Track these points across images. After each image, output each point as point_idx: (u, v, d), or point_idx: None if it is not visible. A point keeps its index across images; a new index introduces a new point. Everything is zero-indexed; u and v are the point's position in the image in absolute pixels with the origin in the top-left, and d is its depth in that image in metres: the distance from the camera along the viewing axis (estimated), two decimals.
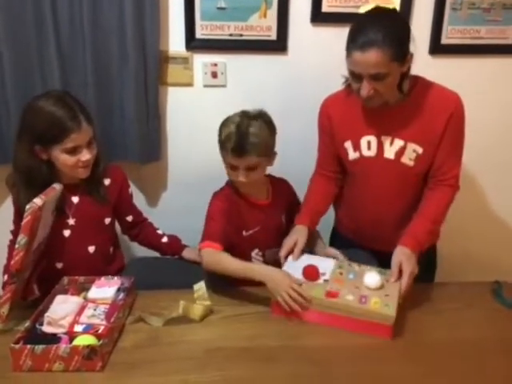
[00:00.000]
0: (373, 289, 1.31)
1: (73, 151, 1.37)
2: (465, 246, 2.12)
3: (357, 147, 1.53)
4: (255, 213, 1.54)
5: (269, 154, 1.47)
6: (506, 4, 1.86)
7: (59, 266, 1.49)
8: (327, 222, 1.77)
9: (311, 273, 1.37)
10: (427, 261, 1.66)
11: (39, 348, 1.11)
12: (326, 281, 1.35)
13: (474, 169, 2.05)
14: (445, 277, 1.68)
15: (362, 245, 1.64)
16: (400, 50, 1.32)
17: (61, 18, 1.70)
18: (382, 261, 1.53)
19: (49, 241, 1.42)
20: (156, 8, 1.73)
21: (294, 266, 1.41)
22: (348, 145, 1.54)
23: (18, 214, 1.42)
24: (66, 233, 1.47)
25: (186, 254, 1.64)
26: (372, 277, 1.33)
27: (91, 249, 1.52)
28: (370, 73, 1.32)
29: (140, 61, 1.76)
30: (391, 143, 1.48)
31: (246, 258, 1.50)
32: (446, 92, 1.46)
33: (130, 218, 1.64)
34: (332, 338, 1.25)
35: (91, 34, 1.71)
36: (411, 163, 1.47)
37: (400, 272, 1.35)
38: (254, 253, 1.56)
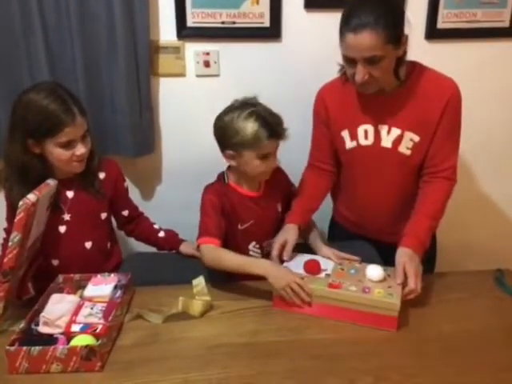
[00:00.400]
0: (375, 281, 1.29)
1: (67, 145, 1.33)
2: (464, 235, 2.12)
3: (354, 136, 1.51)
4: (249, 205, 1.51)
5: None
6: None
7: (55, 263, 1.46)
8: (325, 212, 1.75)
9: (313, 267, 1.35)
10: (426, 251, 1.65)
11: (36, 350, 1.08)
12: (327, 275, 1.33)
13: (472, 157, 2.04)
14: (445, 267, 1.67)
15: (361, 234, 1.63)
16: (394, 31, 1.29)
17: (47, 7, 1.64)
18: (381, 251, 1.52)
19: (44, 237, 1.39)
20: None
21: (295, 261, 1.39)
22: (345, 134, 1.52)
23: (11, 211, 1.39)
24: (62, 229, 1.44)
25: (184, 248, 1.62)
26: (375, 269, 1.31)
27: (88, 244, 1.49)
28: (365, 56, 1.29)
29: (130, 51, 1.71)
30: (388, 132, 1.46)
31: (243, 251, 1.47)
32: (442, 78, 1.44)
33: (125, 213, 1.61)
34: (334, 332, 1.23)
35: (79, 24, 1.66)
36: (408, 152, 1.46)
37: (405, 274, 1.30)
38: (251, 246, 1.53)
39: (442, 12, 1.84)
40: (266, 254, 1.52)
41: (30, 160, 1.35)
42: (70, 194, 1.44)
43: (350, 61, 1.34)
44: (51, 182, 1.35)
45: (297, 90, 1.86)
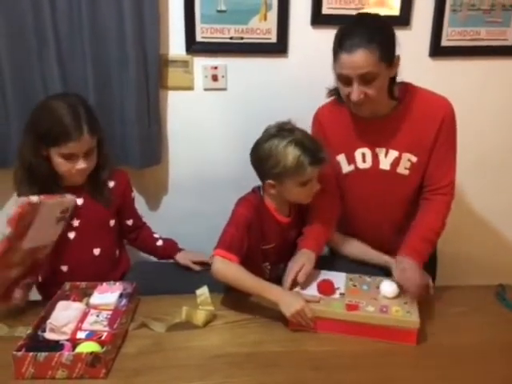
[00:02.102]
0: (391, 298, 1.30)
1: (68, 158, 1.37)
2: (465, 249, 2.12)
3: (351, 160, 1.52)
4: (275, 229, 1.49)
5: None
6: (505, 5, 1.86)
7: (64, 269, 1.48)
8: None
9: (326, 288, 1.34)
10: (427, 264, 1.65)
11: (42, 355, 1.10)
12: (342, 294, 1.33)
13: (475, 171, 2.05)
14: (446, 280, 1.68)
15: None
16: (386, 50, 1.33)
17: (60, 22, 1.69)
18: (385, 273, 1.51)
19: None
20: (156, 11, 1.72)
21: (308, 283, 1.37)
22: (341, 158, 1.53)
23: None
24: (71, 235, 1.47)
25: (179, 257, 1.63)
26: (389, 286, 1.32)
27: (96, 251, 1.51)
28: (360, 73, 1.31)
29: (140, 65, 1.75)
30: (386, 154, 1.48)
31: (256, 268, 1.44)
32: (435, 98, 1.46)
33: (130, 222, 1.63)
34: (336, 344, 1.24)
35: (90, 38, 1.70)
36: (406, 172, 1.48)
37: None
38: (264, 265, 1.54)
39: (447, 30, 1.87)
40: (274, 277, 1.48)
41: (39, 162, 1.38)
42: (79, 201, 1.47)
43: (344, 80, 1.35)
44: (68, 197, 1.38)
45: (302, 105, 1.86)
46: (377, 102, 1.38)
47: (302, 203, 1.49)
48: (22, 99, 1.71)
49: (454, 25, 1.87)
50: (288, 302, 1.28)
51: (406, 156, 1.46)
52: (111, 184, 1.52)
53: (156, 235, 1.69)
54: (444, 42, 1.88)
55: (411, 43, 1.83)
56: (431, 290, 1.38)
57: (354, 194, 1.57)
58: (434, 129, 1.42)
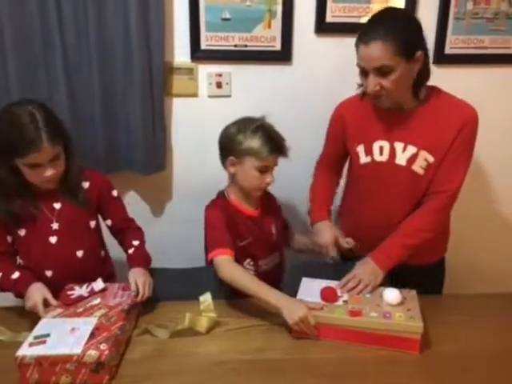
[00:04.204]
0: (394, 305, 1.30)
1: (34, 167, 1.34)
2: (471, 257, 2.11)
3: (369, 152, 1.53)
4: (248, 223, 1.56)
5: None
6: (509, 14, 1.87)
7: (49, 273, 1.46)
8: None
9: (330, 295, 1.35)
10: (435, 272, 1.66)
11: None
12: (345, 301, 1.33)
13: (482, 178, 2.06)
14: (454, 288, 1.67)
15: (362, 252, 1.63)
16: (404, 44, 1.32)
17: (67, 29, 1.71)
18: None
19: (35, 249, 1.44)
20: (161, 19, 1.74)
21: (311, 291, 1.38)
22: (360, 149, 1.54)
23: None
24: (53, 239, 1.45)
25: (130, 274, 1.45)
26: (391, 293, 1.32)
27: (79, 253, 1.49)
28: (374, 66, 1.34)
29: (145, 72, 1.77)
30: (404, 149, 1.48)
31: None
32: (462, 102, 1.46)
33: (109, 222, 1.59)
34: (338, 351, 1.24)
35: (97, 46, 1.72)
36: (421, 171, 1.47)
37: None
38: (246, 263, 1.56)
39: (450, 38, 1.88)
40: (261, 272, 1.56)
41: (3, 172, 1.35)
42: (57, 205, 1.45)
43: (363, 72, 1.39)
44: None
45: (306, 113, 1.90)
46: (395, 95, 1.39)
47: (255, 194, 1.56)
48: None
49: (457, 33, 1.88)
50: (291, 309, 1.28)
51: (424, 154, 1.45)
52: (86, 185, 1.49)
53: (135, 242, 1.56)
54: (448, 50, 1.89)
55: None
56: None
57: (367, 185, 1.58)
58: (453, 132, 1.42)
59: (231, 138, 1.50)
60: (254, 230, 1.57)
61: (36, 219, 1.43)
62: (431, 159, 1.45)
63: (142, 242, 1.58)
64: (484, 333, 1.33)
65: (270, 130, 1.50)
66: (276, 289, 1.34)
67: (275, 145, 1.48)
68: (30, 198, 1.41)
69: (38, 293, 1.34)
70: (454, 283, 1.75)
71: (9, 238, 1.46)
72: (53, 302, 1.32)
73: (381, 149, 1.51)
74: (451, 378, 1.16)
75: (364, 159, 1.54)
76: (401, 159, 1.48)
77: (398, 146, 1.48)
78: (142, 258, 1.52)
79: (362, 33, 1.36)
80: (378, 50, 1.31)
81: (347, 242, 1.55)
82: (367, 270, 1.42)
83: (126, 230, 1.60)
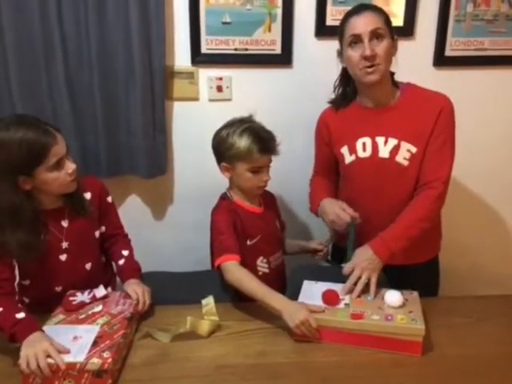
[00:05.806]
0: (396, 307, 1.30)
1: (57, 166, 1.30)
2: (471, 258, 2.11)
3: (353, 150, 1.56)
4: (255, 221, 1.57)
5: None
6: (509, 15, 1.87)
7: (58, 289, 1.45)
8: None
9: (331, 298, 1.34)
10: (429, 274, 1.66)
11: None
12: (346, 304, 1.33)
13: (481, 181, 2.05)
14: (452, 290, 1.67)
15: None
16: (389, 20, 1.45)
17: (68, 34, 1.72)
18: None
19: (46, 268, 1.40)
20: (161, 23, 1.75)
21: (313, 294, 1.38)
22: (344, 150, 1.58)
23: (2, 261, 1.32)
24: (63, 257, 1.43)
25: (126, 286, 1.44)
26: (393, 295, 1.32)
27: (88, 266, 1.49)
28: (370, 28, 1.40)
29: (146, 76, 1.77)
30: (385, 143, 1.51)
31: (252, 266, 1.52)
32: (435, 94, 1.51)
33: (103, 229, 1.55)
34: (340, 354, 1.24)
35: (97, 50, 1.73)
36: (405, 162, 1.49)
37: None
38: (259, 261, 1.57)
39: (450, 40, 1.88)
40: (273, 268, 1.58)
41: (21, 199, 1.29)
42: (64, 223, 1.43)
43: (356, 40, 1.43)
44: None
45: (306, 116, 1.89)
46: (384, 67, 1.43)
47: (253, 193, 1.57)
48: (31, 113, 1.71)
49: (457, 35, 1.88)
50: (292, 312, 1.28)
51: (405, 145, 1.48)
52: (88, 196, 1.47)
53: (124, 252, 1.55)
54: (448, 52, 1.89)
55: (415, 53, 1.85)
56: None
57: (354, 184, 1.60)
58: (431, 120, 1.46)
59: (220, 143, 1.52)
60: (262, 226, 1.58)
61: (46, 244, 1.37)
62: (414, 149, 1.48)
63: (131, 251, 1.58)
64: (486, 335, 1.32)
65: (258, 130, 1.50)
66: (285, 286, 1.35)
67: (264, 145, 1.48)
68: (41, 224, 1.35)
69: (45, 339, 1.18)
70: (455, 285, 1.75)
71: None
72: (58, 359, 1.13)
73: (363, 145, 1.54)
74: (454, 380, 1.16)
75: (349, 159, 1.57)
76: (383, 152, 1.51)
77: (380, 140, 1.51)
78: (133, 269, 1.52)
79: (349, 11, 1.47)
80: (371, 16, 1.42)
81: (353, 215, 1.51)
82: (367, 257, 1.41)
83: (116, 237, 1.59)
